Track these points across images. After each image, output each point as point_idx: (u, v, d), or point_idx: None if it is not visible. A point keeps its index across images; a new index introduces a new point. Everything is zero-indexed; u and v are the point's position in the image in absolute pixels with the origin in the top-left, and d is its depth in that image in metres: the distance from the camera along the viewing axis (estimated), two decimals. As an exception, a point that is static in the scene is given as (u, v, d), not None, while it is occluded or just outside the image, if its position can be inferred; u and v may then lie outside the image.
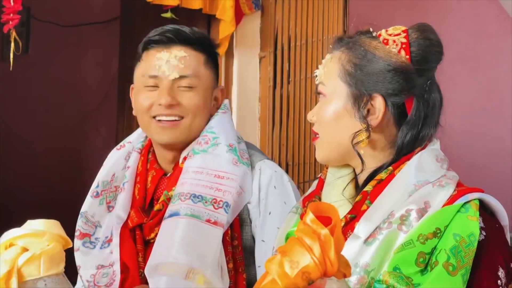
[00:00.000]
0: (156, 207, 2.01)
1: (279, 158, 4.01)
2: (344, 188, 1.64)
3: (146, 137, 2.13)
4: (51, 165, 5.11)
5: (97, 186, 2.10)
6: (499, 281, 1.49)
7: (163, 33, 2.03)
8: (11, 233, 1.46)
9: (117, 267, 1.96)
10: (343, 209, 1.59)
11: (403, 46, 1.61)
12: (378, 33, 1.66)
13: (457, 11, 5.00)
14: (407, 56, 1.60)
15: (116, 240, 2.00)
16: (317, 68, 1.70)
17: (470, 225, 1.48)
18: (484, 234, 1.50)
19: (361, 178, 1.65)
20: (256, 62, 4.11)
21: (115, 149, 2.17)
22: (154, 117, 2.01)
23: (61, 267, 1.45)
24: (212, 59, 2.08)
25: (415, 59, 1.61)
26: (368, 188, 1.59)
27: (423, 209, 1.51)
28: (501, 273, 1.50)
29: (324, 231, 1.21)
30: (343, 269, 1.23)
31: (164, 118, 2.00)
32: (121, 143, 2.17)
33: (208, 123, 2.05)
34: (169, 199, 1.98)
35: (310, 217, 1.23)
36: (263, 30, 4.10)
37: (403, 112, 1.61)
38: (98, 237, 2.06)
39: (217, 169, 1.96)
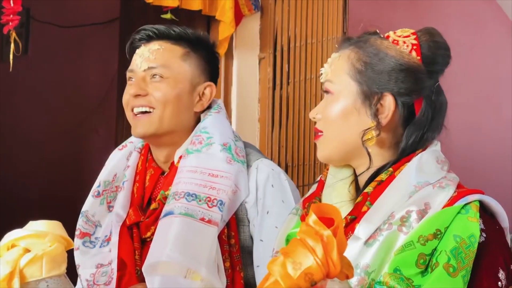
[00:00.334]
0: (152, 206, 2.02)
1: (279, 159, 4.01)
2: (345, 189, 1.65)
3: None
4: (51, 165, 5.11)
5: (99, 186, 2.11)
6: (499, 283, 1.49)
7: (145, 30, 2.08)
8: (13, 234, 1.46)
9: (114, 265, 1.97)
10: (343, 210, 1.60)
11: (414, 47, 1.63)
12: (386, 34, 1.67)
13: (456, 12, 5.00)
14: (418, 57, 1.62)
15: (115, 238, 2.00)
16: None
17: (471, 227, 1.48)
18: (485, 236, 1.50)
19: (362, 179, 1.65)
20: (255, 63, 4.11)
21: (117, 149, 2.18)
22: (132, 110, 2.04)
23: (63, 268, 1.45)
24: (197, 55, 2.08)
25: (426, 61, 1.62)
26: (369, 189, 1.60)
27: (423, 210, 1.51)
28: (501, 274, 1.50)
29: (327, 233, 1.21)
30: (346, 270, 1.24)
31: (136, 109, 2.02)
32: (123, 143, 2.19)
33: (201, 123, 2.06)
34: (165, 198, 1.99)
35: (312, 218, 1.23)
36: (262, 31, 4.10)
37: (412, 113, 1.62)
38: (98, 236, 2.06)
39: (211, 168, 1.97)
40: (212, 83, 2.09)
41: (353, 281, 1.47)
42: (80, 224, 2.07)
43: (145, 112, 2.01)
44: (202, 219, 1.90)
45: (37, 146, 5.10)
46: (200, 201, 1.92)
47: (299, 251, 1.21)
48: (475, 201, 1.52)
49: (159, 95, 2.01)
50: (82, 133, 5.30)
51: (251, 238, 2.01)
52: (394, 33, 1.67)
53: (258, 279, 1.96)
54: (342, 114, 1.62)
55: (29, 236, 1.44)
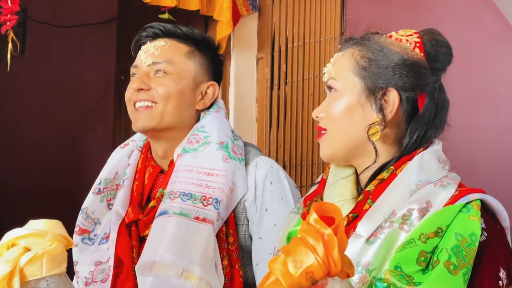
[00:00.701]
0: (151, 203, 2.02)
1: (276, 159, 4.01)
2: (347, 188, 1.65)
3: None
4: (49, 165, 5.11)
5: (100, 183, 2.12)
6: (500, 282, 1.50)
7: (151, 27, 2.09)
8: (13, 233, 1.45)
9: (111, 262, 1.97)
10: (345, 208, 1.60)
11: (417, 44, 1.65)
12: (389, 34, 1.69)
13: (453, 12, 5.01)
14: (422, 54, 1.64)
15: (113, 235, 2.01)
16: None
17: (472, 225, 1.48)
18: (486, 235, 1.51)
19: (363, 178, 1.66)
20: (253, 64, 4.12)
21: (119, 147, 2.19)
22: (134, 105, 2.04)
23: (63, 267, 1.44)
24: (201, 54, 2.09)
25: (429, 58, 1.64)
26: (370, 187, 1.60)
27: (424, 209, 1.51)
28: (502, 273, 1.51)
29: (328, 231, 1.21)
30: (347, 269, 1.24)
31: (138, 104, 2.03)
32: (125, 142, 2.19)
33: (199, 122, 2.06)
34: (163, 196, 1.99)
35: (313, 217, 1.23)
36: (260, 31, 4.11)
37: (415, 109, 1.63)
38: (97, 234, 2.07)
39: (207, 166, 1.97)
40: (215, 83, 2.10)
41: (355, 278, 1.47)
42: (80, 221, 2.08)
43: (147, 106, 2.02)
44: (197, 218, 1.91)
45: (35, 146, 5.10)
46: (195, 200, 1.93)
47: (300, 250, 1.21)
48: (476, 200, 1.52)
49: (162, 90, 2.02)
50: (79, 132, 5.30)
51: (250, 237, 2.01)
52: (397, 33, 1.69)
53: (257, 277, 1.97)
54: (347, 110, 1.63)
55: (29, 235, 1.44)
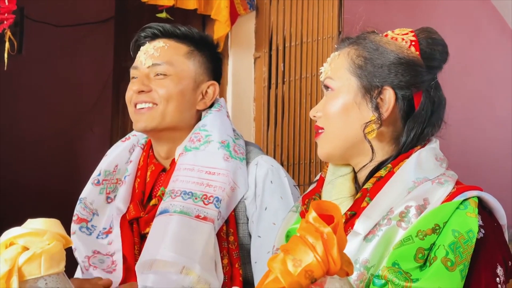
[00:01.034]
0: (152, 201, 2.03)
1: (274, 158, 3.99)
2: (345, 186, 1.66)
3: None
4: (46, 164, 5.11)
5: (99, 174, 2.12)
6: (497, 279, 1.50)
7: (150, 28, 2.10)
8: (12, 232, 1.45)
9: (118, 257, 1.98)
10: (343, 206, 1.61)
11: (413, 43, 1.66)
12: (385, 33, 1.70)
13: (450, 11, 5.01)
14: (417, 52, 1.65)
15: (116, 230, 2.01)
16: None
17: (469, 222, 1.49)
18: (483, 232, 1.51)
19: (361, 176, 1.67)
20: (251, 63, 4.12)
21: (120, 141, 2.20)
22: (134, 106, 2.05)
23: (62, 266, 1.44)
24: (201, 53, 2.10)
25: (424, 56, 1.65)
26: (368, 185, 1.61)
27: (422, 206, 1.52)
28: (499, 270, 1.51)
29: (327, 230, 1.21)
30: (346, 267, 1.24)
31: (139, 105, 2.04)
32: (127, 136, 2.20)
33: (201, 121, 2.07)
34: (164, 194, 2.00)
35: (312, 215, 1.23)
36: (258, 30, 4.11)
37: (411, 107, 1.64)
38: (94, 225, 2.08)
39: (208, 165, 1.98)
40: (215, 83, 2.11)
41: (353, 276, 1.48)
42: (78, 210, 2.09)
43: (148, 107, 2.03)
44: (198, 216, 1.92)
45: (32, 145, 5.09)
46: (196, 199, 1.94)
47: (299, 248, 1.21)
48: (473, 197, 1.53)
49: (163, 91, 2.02)
50: (77, 132, 5.30)
51: (250, 236, 2.01)
52: (393, 31, 1.71)
53: (256, 275, 1.97)
54: (343, 109, 1.64)
55: (27, 234, 1.43)
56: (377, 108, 1.61)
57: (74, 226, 2.06)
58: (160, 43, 2.06)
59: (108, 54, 4.83)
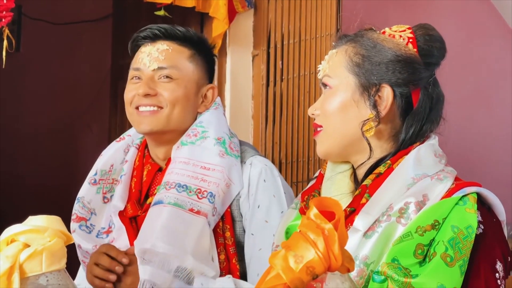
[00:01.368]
0: (149, 200, 2.03)
1: (272, 156, 4.01)
2: (345, 182, 1.66)
3: None
4: (44, 162, 5.11)
5: (95, 174, 2.13)
6: (497, 274, 1.51)
7: (151, 29, 2.09)
8: (13, 229, 1.45)
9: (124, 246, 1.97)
10: (342, 203, 1.61)
11: (410, 40, 1.66)
12: (382, 30, 1.70)
13: (449, 9, 5.01)
14: (415, 49, 1.65)
15: (118, 224, 2.02)
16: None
17: (468, 217, 1.49)
18: (482, 228, 1.52)
19: (360, 172, 1.67)
20: (249, 60, 4.12)
21: (114, 141, 2.20)
22: (136, 108, 2.05)
23: (63, 262, 1.45)
24: (201, 57, 2.11)
25: (422, 53, 1.65)
26: (367, 182, 1.61)
27: (421, 202, 1.53)
28: (499, 266, 1.52)
29: (328, 226, 1.22)
30: (347, 264, 1.24)
31: (143, 108, 2.03)
32: (121, 136, 2.20)
33: (198, 119, 2.08)
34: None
35: (313, 212, 1.24)
36: (256, 28, 4.11)
37: (409, 104, 1.64)
38: (93, 223, 2.08)
39: (204, 161, 1.99)
40: (214, 86, 2.14)
41: (352, 272, 1.48)
42: (76, 209, 2.09)
43: (153, 111, 2.03)
44: (191, 210, 1.93)
45: (30, 143, 5.09)
46: (190, 192, 1.95)
47: (300, 245, 1.22)
48: (473, 193, 1.54)
49: (169, 95, 2.03)
50: (75, 129, 5.30)
51: (244, 234, 2.02)
52: (390, 28, 1.71)
53: (249, 273, 1.98)
54: (341, 107, 1.64)
55: (28, 231, 1.44)
56: (375, 106, 1.62)
57: (73, 225, 2.07)
58: (163, 45, 2.06)
59: (106, 52, 4.83)
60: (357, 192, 1.62)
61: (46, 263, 1.42)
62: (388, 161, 1.62)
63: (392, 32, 1.68)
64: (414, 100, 1.64)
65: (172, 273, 1.85)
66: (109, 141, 2.25)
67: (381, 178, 1.60)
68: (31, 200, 4.64)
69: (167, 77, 2.04)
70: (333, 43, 1.73)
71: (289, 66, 4.02)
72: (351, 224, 1.55)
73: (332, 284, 1.23)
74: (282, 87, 4.03)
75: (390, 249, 1.49)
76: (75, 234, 2.05)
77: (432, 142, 1.65)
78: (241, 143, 2.11)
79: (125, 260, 1.87)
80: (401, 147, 1.63)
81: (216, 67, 2.20)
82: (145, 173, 2.09)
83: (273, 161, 3.93)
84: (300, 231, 1.24)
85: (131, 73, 2.08)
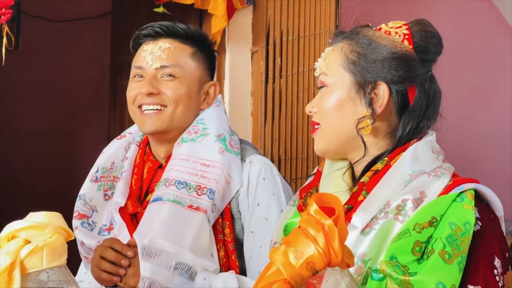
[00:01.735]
0: (149, 197, 2.04)
1: (271, 153, 4.02)
2: (340, 178, 1.66)
3: None
4: (44, 159, 5.11)
5: (97, 171, 2.13)
6: (495, 271, 1.51)
7: (152, 27, 2.08)
8: (13, 225, 1.45)
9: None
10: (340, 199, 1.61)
11: (406, 37, 1.66)
12: (378, 27, 1.70)
13: (448, 6, 5.01)
14: (411, 46, 1.65)
15: (119, 220, 2.02)
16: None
17: (466, 214, 1.50)
18: (480, 224, 1.52)
19: (358, 169, 1.67)
20: (248, 57, 4.12)
21: (115, 139, 2.20)
22: (139, 107, 2.05)
23: (64, 259, 1.45)
24: (203, 54, 2.11)
25: (418, 49, 1.65)
26: (365, 179, 1.62)
27: (419, 199, 1.53)
28: (497, 262, 1.52)
29: (328, 222, 1.22)
30: (347, 259, 1.25)
31: (146, 107, 2.04)
32: (122, 134, 2.21)
33: (199, 116, 2.08)
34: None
35: (313, 208, 1.24)
36: (255, 25, 4.11)
37: (405, 101, 1.65)
38: (94, 221, 2.09)
39: (204, 157, 2.00)
40: (216, 83, 2.14)
41: (350, 270, 1.48)
42: (78, 206, 2.09)
43: (156, 110, 2.03)
44: (190, 206, 1.94)
45: (29, 140, 5.09)
46: (190, 189, 1.95)
47: (301, 240, 1.22)
48: (470, 189, 1.54)
49: (172, 94, 2.03)
50: (74, 127, 5.30)
51: (243, 231, 2.03)
52: (386, 25, 1.70)
53: (249, 270, 1.99)
54: (338, 105, 1.65)
55: (29, 227, 1.44)
56: (370, 103, 1.62)
57: (75, 222, 2.07)
58: (165, 44, 2.05)
59: (105, 49, 4.83)
60: (354, 189, 1.63)
61: (47, 259, 1.42)
62: (386, 158, 1.62)
63: (388, 28, 1.68)
64: (410, 97, 1.64)
65: (172, 269, 1.86)
66: (108, 138, 2.26)
67: (378, 175, 1.60)
68: (29, 198, 4.64)
69: (170, 75, 2.04)
70: (330, 40, 1.73)
71: (288, 63, 4.02)
72: (349, 222, 1.56)
73: (332, 279, 1.24)
74: (281, 83, 4.03)
75: (388, 247, 1.49)
76: (77, 231, 2.05)
77: (430, 138, 1.65)
78: (241, 141, 2.12)
79: (129, 253, 1.88)
80: (398, 144, 1.63)
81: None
82: (145, 170, 2.10)
83: (272, 158, 3.94)
84: (300, 226, 1.25)
85: (133, 71, 2.08)
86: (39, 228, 1.44)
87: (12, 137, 5.04)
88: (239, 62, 4.10)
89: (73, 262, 1.60)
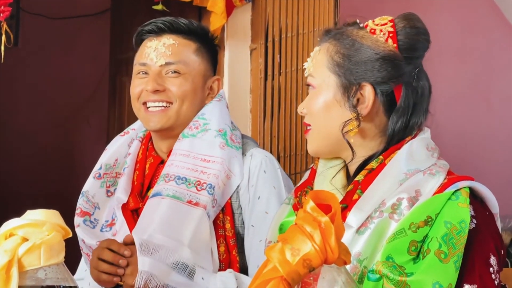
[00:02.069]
0: (149, 192, 2.04)
1: (271, 150, 4.01)
2: (334, 176, 1.66)
3: None
4: (43, 156, 5.11)
5: (100, 168, 2.14)
6: (491, 269, 1.51)
7: (155, 23, 2.08)
8: (11, 223, 1.46)
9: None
10: (335, 198, 1.61)
11: (390, 35, 1.64)
12: (365, 24, 1.68)
13: (447, 4, 5.01)
14: (395, 45, 1.63)
15: (120, 218, 2.03)
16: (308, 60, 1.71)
17: (461, 212, 1.50)
18: (475, 222, 1.52)
19: (352, 168, 1.67)
20: (247, 54, 4.11)
21: (118, 135, 2.21)
22: (144, 103, 2.05)
23: (61, 256, 1.45)
24: (206, 49, 2.11)
25: (403, 47, 1.63)
26: (359, 177, 1.61)
27: (414, 198, 1.53)
28: (492, 260, 1.52)
29: (325, 219, 1.22)
30: (344, 256, 1.25)
31: (151, 104, 2.04)
32: (125, 130, 2.21)
33: (201, 110, 2.08)
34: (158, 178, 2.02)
35: (310, 205, 1.24)
36: (254, 22, 4.10)
37: (392, 100, 1.64)
38: (97, 218, 2.10)
39: (204, 153, 2.00)
40: (219, 77, 2.15)
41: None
42: (81, 203, 2.10)
43: (162, 108, 2.03)
44: (189, 202, 1.94)
45: (28, 138, 5.09)
46: (189, 184, 1.96)
47: (297, 238, 1.22)
48: (465, 187, 1.54)
49: (178, 91, 2.03)
50: (73, 124, 5.29)
51: (244, 226, 2.03)
52: (373, 21, 1.68)
53: (249, 264, 1.99)
54: (325, 107, 1.64)
55: (27, 225, 1.45)
56: (355, 106, 1.61)
57: (78, 219, 2.08)
58: (169, 40, 2.05)
59: (104, 46, 4.82)
60: (349, 188, 1.62)
61: (44, 257, 1.43)
62: (380, 157, 1.62)
63: (373, 26, 1.66)
64: (397, 96, 1.63)
65: (171, 266, 1.86)
66: (107, 135, 2.26)
67: (373, 173, 1.60)
68: (28, 195, 4.64)
69: (175, 72, 2.04)
70: (318, 39, 1.72)
71: (287, 60, 4.02)
72: (344, 221, 1.54)
73: (328, 276, 1.24)
74: (280, 81, 4.03)
75: (384, 247, 1.49)
76: (79, 228, 2.06)
77: (424, 135, 1.65)
78: (243, 136, 2.12)
79: (127, 253, 1.88)
80: (391, 143, 1.62)
81: (214, 61, 2.20)
82: (147, 166, 2.10)
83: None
84: (296, 224, 1.25)
85: (137, 68, 2.08)
86: (36, 226, 1.45)
87: (11, 134, 5.04)
88: (238, 59, 4.10)
89: (71, 259, 1.61)
